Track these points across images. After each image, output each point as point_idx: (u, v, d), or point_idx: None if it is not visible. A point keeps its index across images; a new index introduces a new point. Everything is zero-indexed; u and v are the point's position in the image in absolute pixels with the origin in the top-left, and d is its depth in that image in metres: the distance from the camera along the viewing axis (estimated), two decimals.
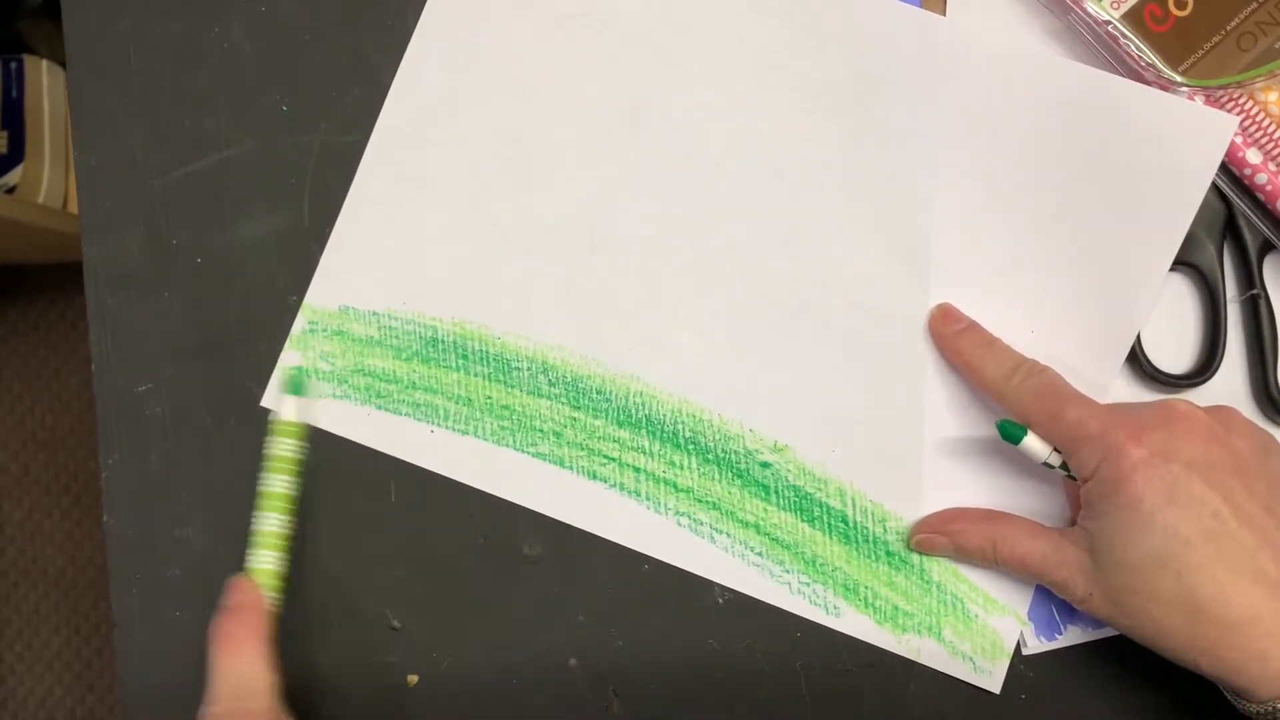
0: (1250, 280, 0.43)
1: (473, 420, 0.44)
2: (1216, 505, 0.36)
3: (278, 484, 0.42)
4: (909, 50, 0.43)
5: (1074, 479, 0.39)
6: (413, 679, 0.44)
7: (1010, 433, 0.39)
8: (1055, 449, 0.39)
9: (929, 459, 0.43)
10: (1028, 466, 0.42)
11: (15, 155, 1.06)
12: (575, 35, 0.44)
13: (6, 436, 1.19)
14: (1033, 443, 0.39)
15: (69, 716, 1.16)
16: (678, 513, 0.43)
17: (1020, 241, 0.42)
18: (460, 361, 0.44)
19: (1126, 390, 0.43)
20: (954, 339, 0.42)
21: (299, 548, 0.44)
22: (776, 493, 0.43)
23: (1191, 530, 0.35)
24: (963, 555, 0.42)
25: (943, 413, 0.43)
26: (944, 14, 0.43)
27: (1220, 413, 0.38)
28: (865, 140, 0.43)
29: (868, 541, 0.43)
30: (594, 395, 0.44)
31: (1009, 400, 0.40)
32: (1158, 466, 0.36)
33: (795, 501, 0.43)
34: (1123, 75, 0.42)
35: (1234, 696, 0.36)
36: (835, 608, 0.43)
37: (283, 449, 0.42)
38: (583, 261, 0.44)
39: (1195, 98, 0.41)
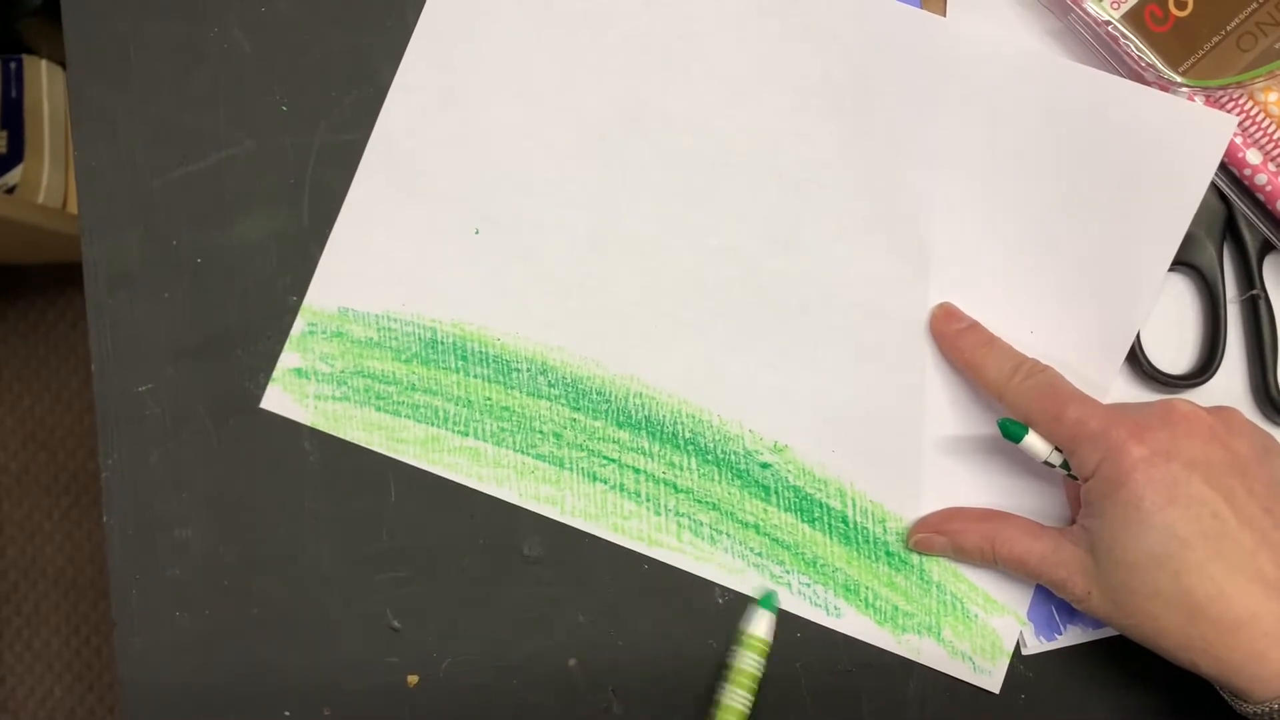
0: (1250, 280, 0.43)
1: (472, 422, 0.44)
2: (1216, 505, 0.36)
3: (737, 699, 0.41)
4: (909, 51, 0.42)
5: (1074, 478, 0.39)
6: (413, 679, 0.44)
7: (1011, 431, 0.39)
8: (1056, 448, 0.39)
9: (929, 458, 0.43)
10: (1028, 466, 0.42)
11: (15, 155, 1.06)
12: (575, 35, 0.44)
13: (6, 436, 1.19)
14: (1033, 441, 0.39)
15: (69, 716, 1.16)
16: (677, 513, 0.43)
17: (1020, 241, 0.42)
18: (460, 363, 0.44)
19: (1126, 390, 0.43)
20: (955, 338, 0.42)
21: (299, 553, 0.44)
22: (776, 493, 0.43)
23: (1191, 530, 0.35)
24: (962, 555, 0.42)
25: (943, 412, 0.43)
26: (944, 14, 0.43)
27: (1221, 413, 0.38)
28: (865, 140, 0.43)
29: (868, 542, 0.43)
30: (593, 396, 0.44)
31: (1010, 399, 0.40)
32: (1158, 466, 0.36)
33: (795, 502, 0.43)
34: (1123, 76, 0.42)
35: (1232, 697, 0.36)
36: (835, 608, 0.43)
37: (749, 664, 0.42)
38: (582, 262, 0.44)
39: (1195, 98, 0.41)
